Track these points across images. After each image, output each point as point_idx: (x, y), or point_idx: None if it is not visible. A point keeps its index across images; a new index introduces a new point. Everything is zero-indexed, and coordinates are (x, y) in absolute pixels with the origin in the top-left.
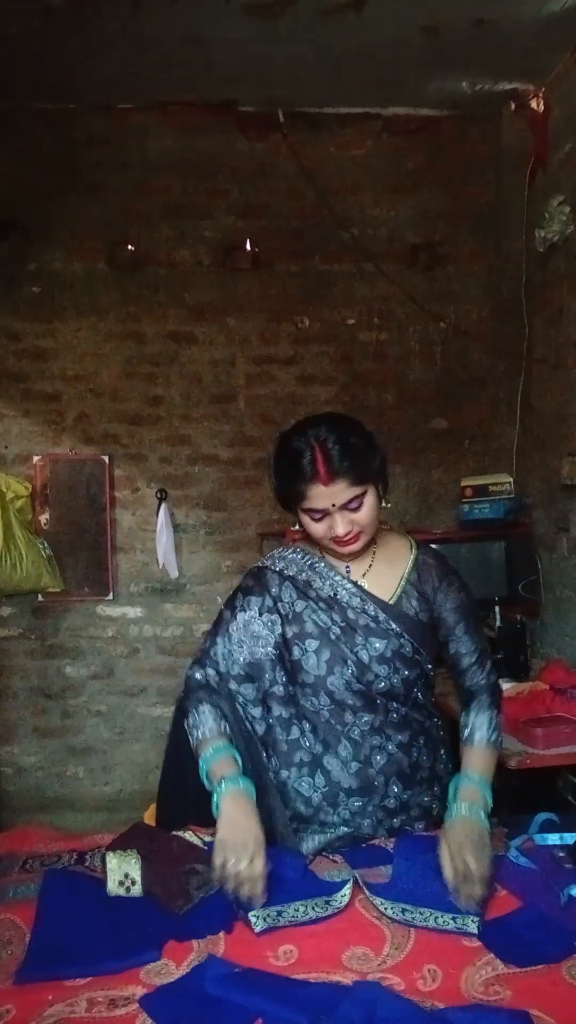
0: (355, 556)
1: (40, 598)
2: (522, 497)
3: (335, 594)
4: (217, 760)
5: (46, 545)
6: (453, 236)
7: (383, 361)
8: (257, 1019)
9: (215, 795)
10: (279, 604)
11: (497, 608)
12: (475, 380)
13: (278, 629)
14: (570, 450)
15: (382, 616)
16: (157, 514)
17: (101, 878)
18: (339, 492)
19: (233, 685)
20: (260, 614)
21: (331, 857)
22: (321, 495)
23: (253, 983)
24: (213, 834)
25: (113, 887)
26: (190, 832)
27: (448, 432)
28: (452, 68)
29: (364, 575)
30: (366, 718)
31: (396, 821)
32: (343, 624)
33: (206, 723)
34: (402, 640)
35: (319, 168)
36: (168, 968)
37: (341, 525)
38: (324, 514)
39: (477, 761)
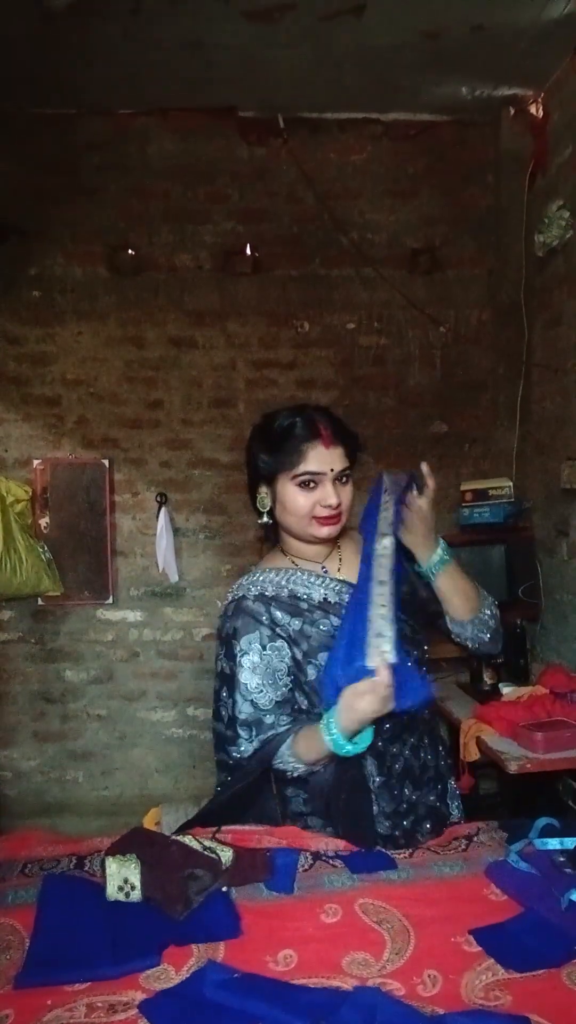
0: (323, 550)
1: (40, 602)
2: (522, 501)
3: (325, 597)
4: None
5: (46, 549)
6: (453, 241)
7: (383, 365)
8: None
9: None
10: (278, 628)
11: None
12: (475, 384)
13: (287, 653)
14: (570, 454)
15: None
16: (157, 518)
17: (100, 883)
18: (336, 459)
19: (270, 719)
20: (264, 647)
21: (331, 862)
22: (321, 457)
23: (252, 988)
24: (212, 837)
25: (112, 892)
26: (190, 836)
27: (448, 436)
28: (451, 73)
29: (339, 570)
30: (387, 724)
31: (406, 823)
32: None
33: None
34: (399, 622)
35: (319, 173)
36: (167, 973)
37: (334, 495)
38: (316, 483)
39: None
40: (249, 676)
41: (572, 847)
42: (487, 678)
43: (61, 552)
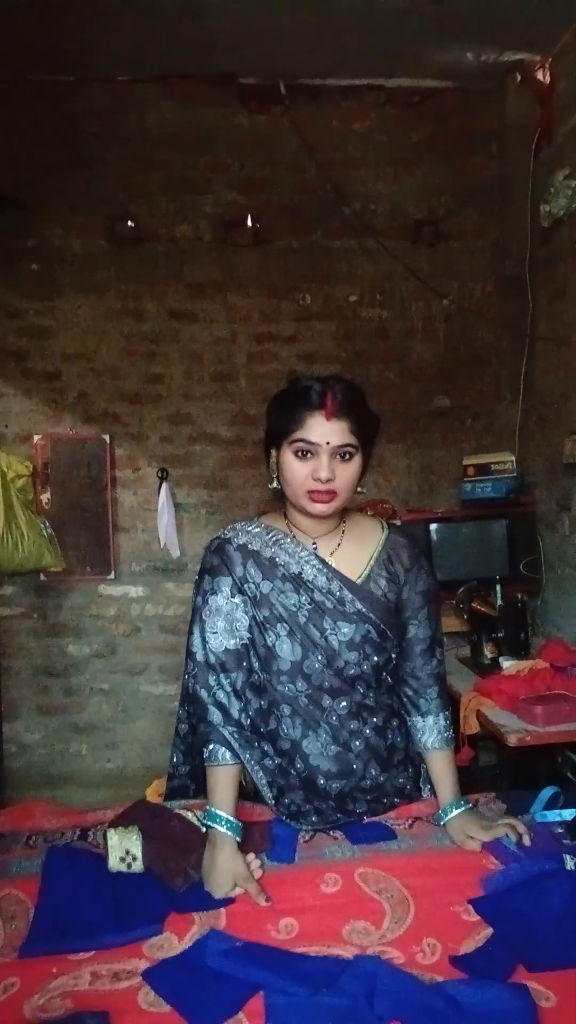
0: (323, 526)
1: (42, 577)
2: (524, 476)
3: (301, 572)
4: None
5: (47, 524)
6: (456, 211)
7: (385, 339)
8: (258, 992)
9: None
10: (246, 585)
11: (498, 587)
12: (478, 358)
13: (249, 611)
14: (573, 429)
15: (348, 596)
16: (158, 493)
17: (103, 854)
18: (336, 432)
19: (212, 678)
20: (232, 595)
21: (331, 834)
22: (319, 427)
23: (254, 956)
24: None
25: (114, 863)
26: (191, 812)
27: (450, 410)
28: (456, 38)
29: (332, 553)
30: (344, 702)
31: (370, 797)
32: (311, 606)
33: (219, 752)
34: (368, 625)
35: (321, 141)
36: (170, 942)
37: (326, 469)
38: (312, 454)
39: (444, 766)
40: (208, 613)
41: (570, 819)
42: (488, 652)
43: (62, 527)
